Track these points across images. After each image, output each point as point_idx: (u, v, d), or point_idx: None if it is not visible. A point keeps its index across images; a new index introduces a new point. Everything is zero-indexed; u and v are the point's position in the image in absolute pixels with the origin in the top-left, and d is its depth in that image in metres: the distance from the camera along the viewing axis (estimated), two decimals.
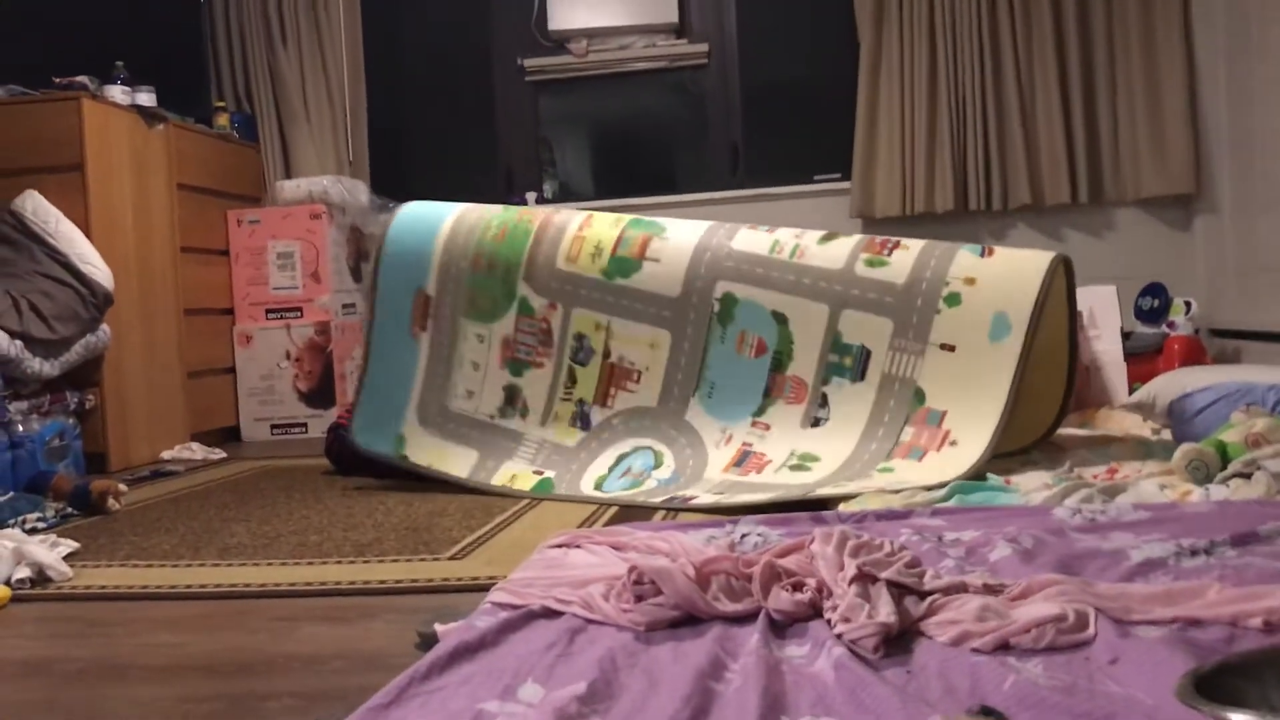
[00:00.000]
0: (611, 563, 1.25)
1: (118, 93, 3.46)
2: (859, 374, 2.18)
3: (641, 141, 4.61)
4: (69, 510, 2.45)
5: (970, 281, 2.18)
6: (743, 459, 2.21)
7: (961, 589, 1.12)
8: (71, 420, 3.11)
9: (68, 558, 1.95)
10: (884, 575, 1.11)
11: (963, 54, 4.06)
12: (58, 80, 3.37)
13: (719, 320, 2.34)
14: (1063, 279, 2.36)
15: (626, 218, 2.62)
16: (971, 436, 2.05)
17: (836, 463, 2.11)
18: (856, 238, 2.39)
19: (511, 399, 2.56)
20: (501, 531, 2.06)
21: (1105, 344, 3.01)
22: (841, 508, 1.65)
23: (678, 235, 2.50)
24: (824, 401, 2.21)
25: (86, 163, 3.24)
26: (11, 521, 2.22)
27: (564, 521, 2.11)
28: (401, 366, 2.70)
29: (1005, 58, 4.04)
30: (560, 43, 4.42)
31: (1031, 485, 2.03)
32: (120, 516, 2.46)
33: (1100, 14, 4.00)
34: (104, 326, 3.23)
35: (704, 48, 4.38)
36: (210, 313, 3.92)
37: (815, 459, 2.14)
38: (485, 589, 1.60)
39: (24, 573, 1.82)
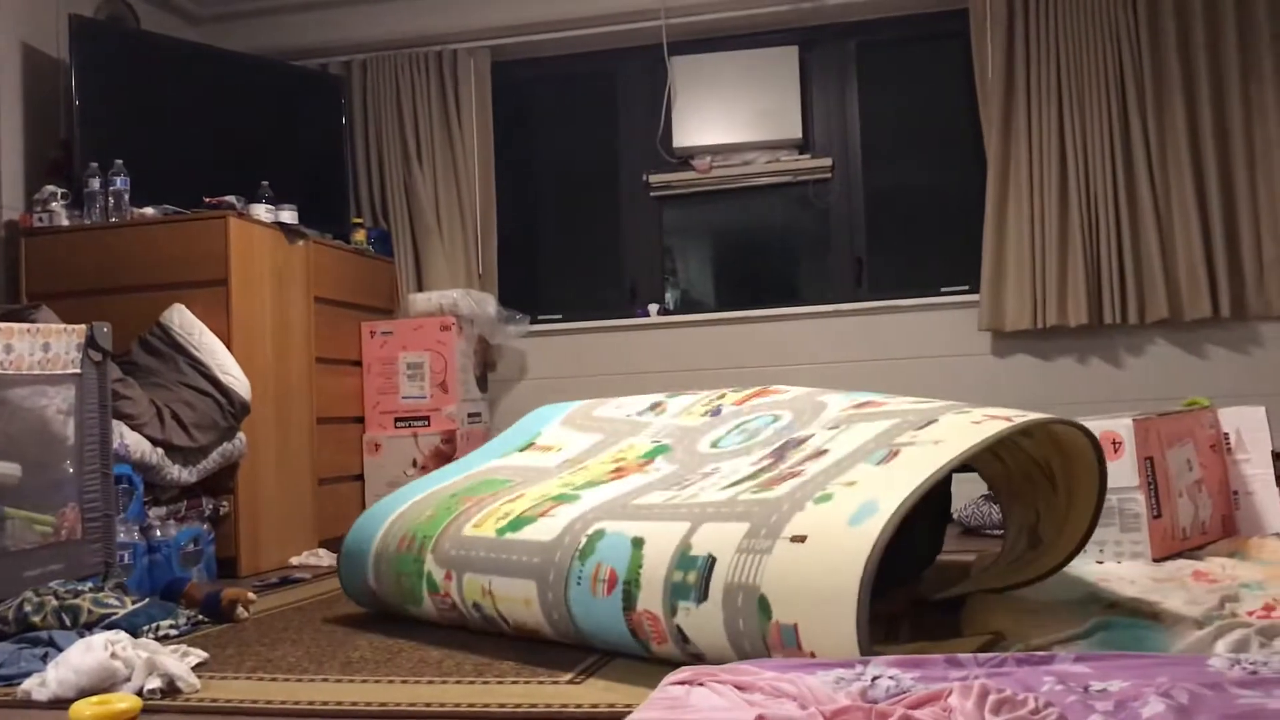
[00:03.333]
0: (736, 706, 1.21)
1: (262, 211, 3.64)
2: (703, 592, 1.74)
3: (764, 253, 4.63)
4: (200, 618, 2.50)
5: (850, 485, 1.77)
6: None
7: None
8: (206, 526, 3.20)
9: (196, 668, 1.98)
10: None
11: (1094, 160, 3.98)
12: (208, 200, 3.56)
13: (580, 556, 1.97)
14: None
15: (560, 493, 2.27)
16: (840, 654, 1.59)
17: None
18: (760, 479, 1.97)
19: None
20: (620, 655, 2.02)
21: (1255, 467, 2.86)
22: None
23: (589, 500, 2.16)
24: (683, 636, 1.79)
25: (231, 277, 3.39)
26: (145, 628, 2.27)
27: None
28: None
29: (1138, 164, 3.95)
30: (685, 159, 4.49)
31: (1180, 621, 1.92)
32: (248, 625, 2.50)
33: (1238, 117, 3.89)
34: (240, 435, 3.34)
35: (827, 162, 4.40)
36: (341, 421, 4.03)
37: None
38: (604, 718, 1.57)
39: (155, 683, 1.85)
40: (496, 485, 2.47)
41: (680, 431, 2.45)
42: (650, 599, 1.82)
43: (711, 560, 1.75)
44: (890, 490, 1.68)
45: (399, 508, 2.53)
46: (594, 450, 2.54)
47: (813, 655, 1.59)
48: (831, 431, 2.07)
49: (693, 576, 1.76)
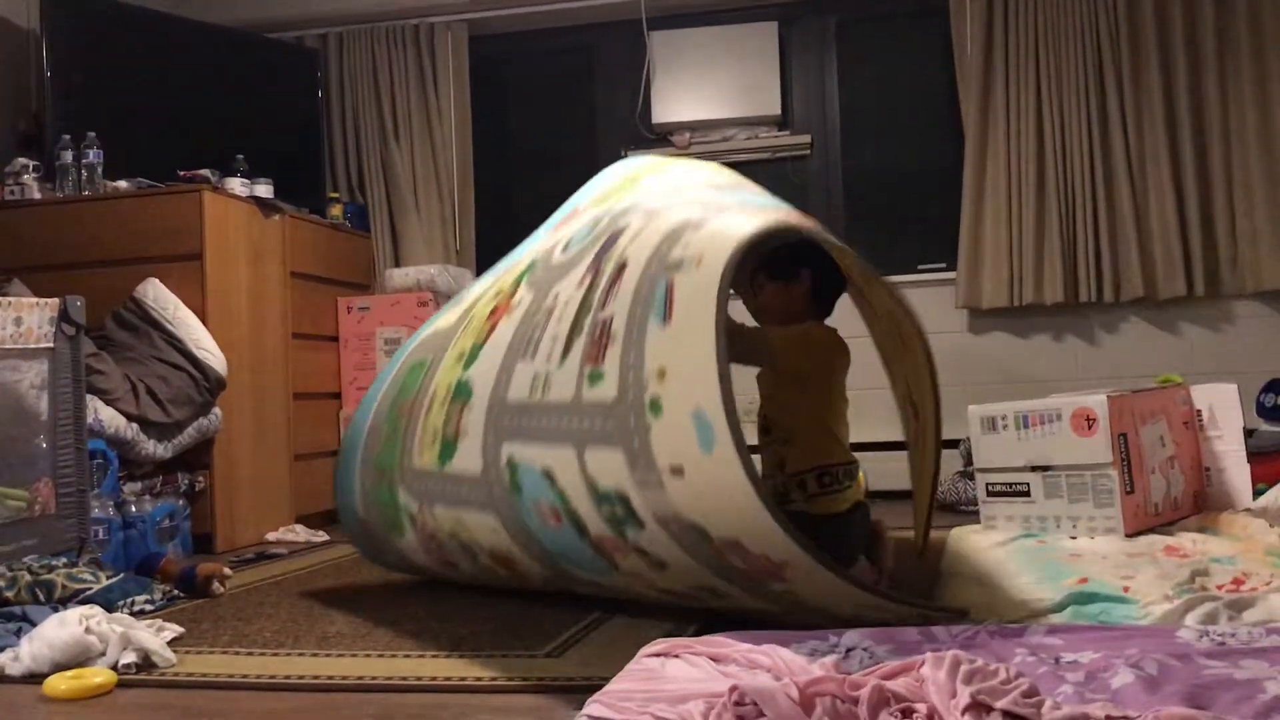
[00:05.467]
0: (712, 677, 1.22)
1: (237, 185, 3.61)
2: (639, 522, 1.71)
3: None
4: (175, 593, 2.49)
5: (661, 375, 1.66)
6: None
7: None
8: (181, 501, 3.19)
9: (172, 643, 1.97)
10: (999, 705, 1.06)
11: (1071, 140, 4.00)
12: (182, 173, 3.52)
13: (514, 492, 1.94)
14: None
15: (454, 381, 2.19)
16: (792, 561, 1.58)
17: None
18: (583, 339, 1.85)
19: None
20: (597, 629, 2.03)
21: (1227, 444, 2.88)
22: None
23: (479, 396, 2.09)
24: (642, 550, 1.77)
25: (206, 252, 3.36)
26: (120, 603, 2.26)
27: (657, 618, 2.07)
28: None
29: (1115, 144, 3.96)
30: (664, 135, 4.48)
31: (1150, 594, 1.94)
32: (224, 600, 2.49)
33: (1215, 98, 3.91)
34: (216, 410, 3.32)
35: (806, 139, 4.40)
36: (318, 397, 4.01)
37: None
38: (581, 690, 1.57)
39: (130, 658, 1.85)
40: (417, 378, 2.35)
41: (550, 241, 2.30)
42: (598, 528, 1.80)
43: (624, 496, 1.71)
44: (696, 384, 1.60)
45: (364, 429, 2.48)
46: (488, 288, 2.41)
47: (767, 558, 1.57)
48: (634, 233, 1.92)
49: (620, 509, 1.73)
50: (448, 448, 2.11)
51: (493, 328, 2.17)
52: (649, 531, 1.71)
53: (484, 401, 2.05)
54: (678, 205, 1.93)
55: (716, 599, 1.85)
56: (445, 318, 2.51)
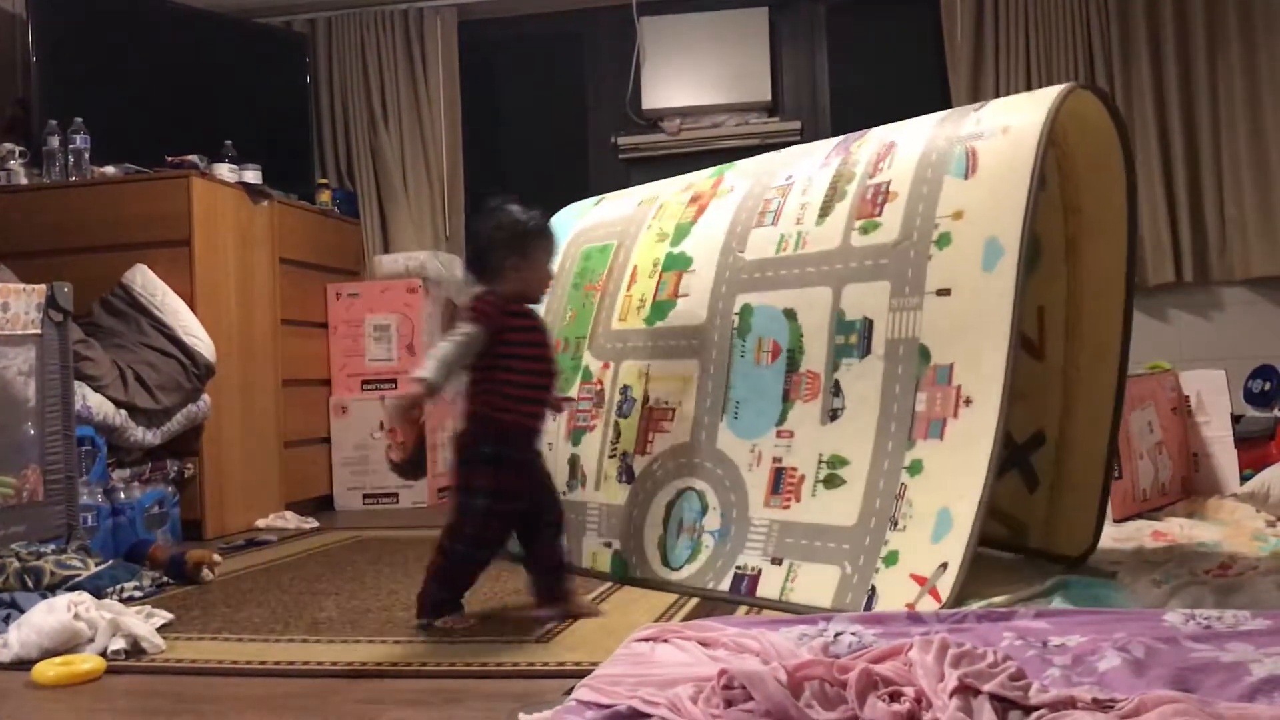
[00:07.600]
0: (700, 661, 1.22)
1: (225, 171, 3.59)
2: (865, 349, 2.01)
3: None
4: (165, 579, 2.48)
5: (957, 215, 1.95)
6: (778, 481, 2.10)
7: (1070, 704, 1.06)
8: (170, 488, 3.18)
9: (161, 629, 1.97)
10: (987, 688, 1.06)
11: None
12: (170, 159, 3.50)
13: (738, 334, 2.24)
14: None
15: (662, 256, 2.53)
16: (983, 388, 1.82)
17: (864, 463, 1.96)
18: (849, 201, 2.17)
19: (573, 470, 2.55)
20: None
21: (1215, 430, 2.90)
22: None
23: (702, 262, 2.42)
24: (837, 389, 2.04)
25: (194, 238, 3.35)
26: (109, 590, 2.26)
27: (648, 604, 2.08)
28: None
29: None
30: (654, 121, 4.47)
31: (1138, 580, 1.95)
32: (214, 587, 2.49)
33: (1204, 87, 3.92)
34: (205, 396, 3.31)
35: (796, 125, 4.39)
36: (307, 383, 4.00)
37: (844, 462, 2.00)
38: (571, 675, 1.58)
39: (119, 644, 1.85)
40: (603, 260, 2.69)
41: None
42: (814, 361, 2.09)
43: (869, 322, 2.01)
44: (998, 219, 1.87)
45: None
46: (667, 187, 2.73)
47: (959, 389, 1.83)
48: (879, 131, 2.27)
49: (854, 338, 2.03)
50: (660, 308, 2.44)
51: (700, 209, 2.51)
52: (867, 361, 2.00)
53: (710, 264, 2.37)
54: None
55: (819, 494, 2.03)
56: (610, 208, 2.85)
